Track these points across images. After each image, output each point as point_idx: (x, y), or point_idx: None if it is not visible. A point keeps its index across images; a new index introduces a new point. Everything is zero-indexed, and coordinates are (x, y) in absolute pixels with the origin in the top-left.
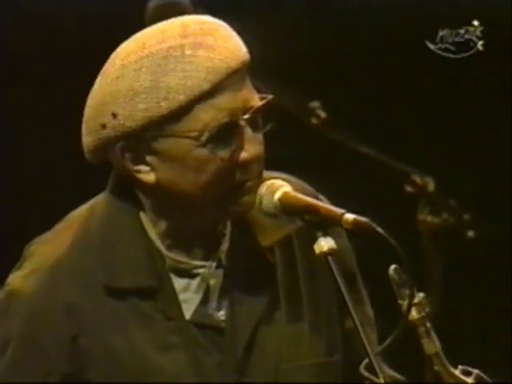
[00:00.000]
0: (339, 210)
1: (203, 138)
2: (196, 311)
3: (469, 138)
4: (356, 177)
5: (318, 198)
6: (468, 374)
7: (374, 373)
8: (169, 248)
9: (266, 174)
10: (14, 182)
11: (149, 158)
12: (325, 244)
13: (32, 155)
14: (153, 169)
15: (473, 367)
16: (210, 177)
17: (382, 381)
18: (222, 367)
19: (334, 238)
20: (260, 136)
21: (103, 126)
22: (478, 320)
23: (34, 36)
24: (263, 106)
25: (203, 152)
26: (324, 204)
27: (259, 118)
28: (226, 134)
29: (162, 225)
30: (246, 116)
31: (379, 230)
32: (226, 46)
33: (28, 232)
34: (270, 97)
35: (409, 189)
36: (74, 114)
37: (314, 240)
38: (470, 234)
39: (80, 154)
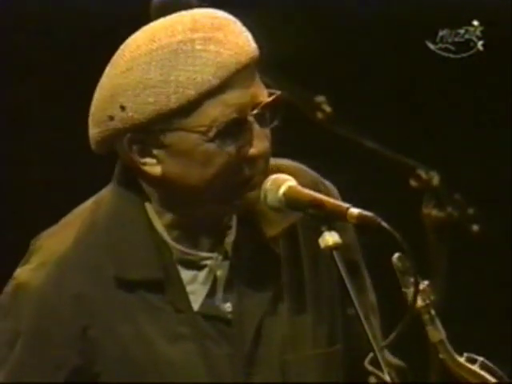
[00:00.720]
0: (344, 205)
1: (211, 133)
2: (203, 303)
3: (472, 134)
4: (361, 171)
5: (321, 183)
6: (473, 361)
7: (379, 367)
8: (175, 240)
9: (273, 161)
10: (15, 182)
11: (156, 151)
12: (330, 238)
13: (33, 153)
14: (159, 162)
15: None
16: (217, 171)
17: (386, 376)
18: (230, 358)
19: (340, 226)
20: (267, 132)
21: (111, 118)
22: (481, 314)
23: (35, 35)
24: (272, 101)
25: (211, 147)
26: (329, 198)
27: (267, 113)
28: (235, 129)
29: (168, 217)
30: (255, 112)
31: (384, 224)
32: (236, 42)
33: (28, 231)
34: (278, 92)
35: (413, 183)
36: (75, 112)
37: (319, 234)
38: (475, 228)
39: (80, 151)
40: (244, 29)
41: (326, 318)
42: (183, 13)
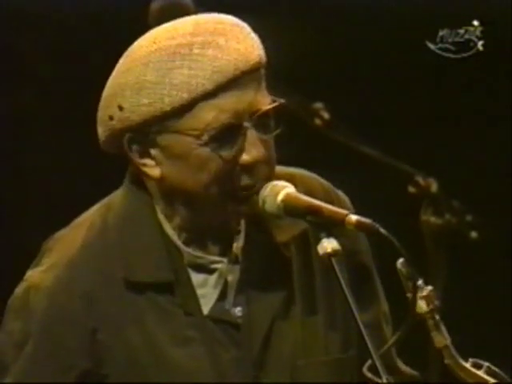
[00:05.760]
0: (342, 211)
1: (204, 138)
2: (214, 307)
3: (471, 139)
4: (359, 178)
5: (333, 192)
6: (479, 366)
7: (378, 374)
8: (185, 242)
9: (281, 169)
10: (15, 184)
11: (154, 153)
12: (328, 245)
13: (33, 156)
14: (158, 163)
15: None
16: (212, 176)
17: (384, 381)
18: (238, 363)
19: (353, 232)
20: (268, 139)
21: (111, 118)
22: (480, 320)
23: (36, 36)
24: (270, 110)
25: (205, 151)
26: (327, 205)
27: (270, 120)
28: (229, 135)
29: (176, 220)
30: (252, 118)
31: (382, 230)
32: (237, 48)
33: (28, 235)
34: (280, 101)
35: (412, 190)
36: (77, 114)
37: (318, 241)
38: (473, 234)
39: (80, 156)
40: (252, 35)
41: (339, 324)
42: (189, 17)
